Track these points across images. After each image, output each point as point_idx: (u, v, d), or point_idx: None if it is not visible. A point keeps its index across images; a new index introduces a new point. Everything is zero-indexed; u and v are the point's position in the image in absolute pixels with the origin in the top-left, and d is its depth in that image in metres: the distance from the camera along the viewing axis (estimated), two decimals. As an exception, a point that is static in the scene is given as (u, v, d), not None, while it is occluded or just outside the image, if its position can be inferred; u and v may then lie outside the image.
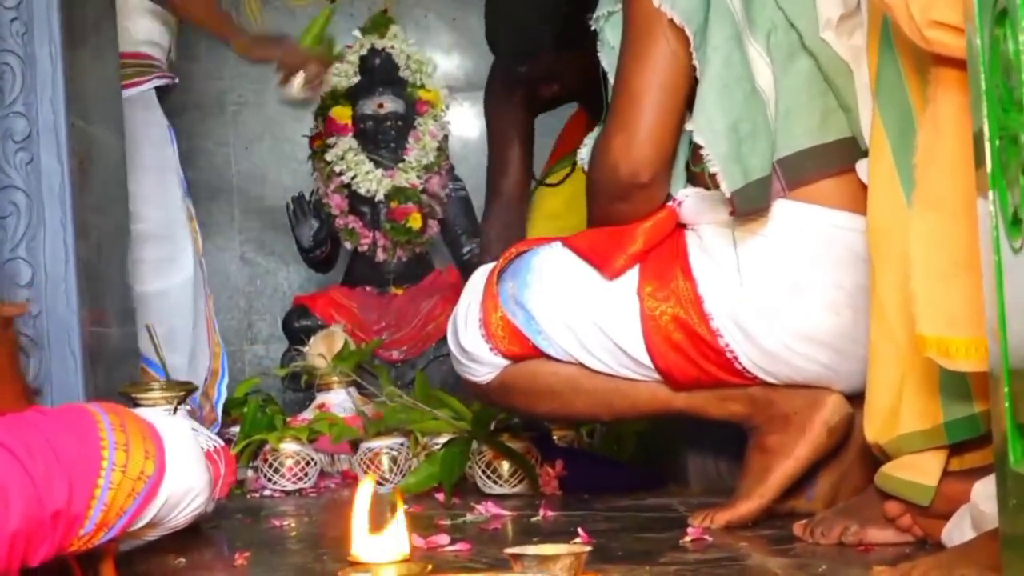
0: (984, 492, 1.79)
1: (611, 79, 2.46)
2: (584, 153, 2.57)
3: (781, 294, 2.35)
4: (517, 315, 2.49)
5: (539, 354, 2.50)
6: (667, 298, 2.40)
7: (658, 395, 2.48)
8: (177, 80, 3.74)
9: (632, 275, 2.44)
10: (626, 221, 2.45)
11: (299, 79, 3.92)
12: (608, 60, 2.51)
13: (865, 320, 2.13)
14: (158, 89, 3.67)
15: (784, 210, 2.36)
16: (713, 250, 2.40)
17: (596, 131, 2.53)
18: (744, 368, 2.40)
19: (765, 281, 2.36)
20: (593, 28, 2.55)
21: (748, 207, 2.31)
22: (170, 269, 3.58)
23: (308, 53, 4.04)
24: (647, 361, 2.43)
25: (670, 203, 2.44)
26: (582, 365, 2.48)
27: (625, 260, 2.43)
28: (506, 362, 2.52)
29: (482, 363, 2.54)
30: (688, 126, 2.34)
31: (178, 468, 1.94)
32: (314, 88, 4.02)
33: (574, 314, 2.46)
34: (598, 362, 2.47)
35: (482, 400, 2.79)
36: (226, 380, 3.72)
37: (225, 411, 3.67)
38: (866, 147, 2.24)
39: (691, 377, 2.43)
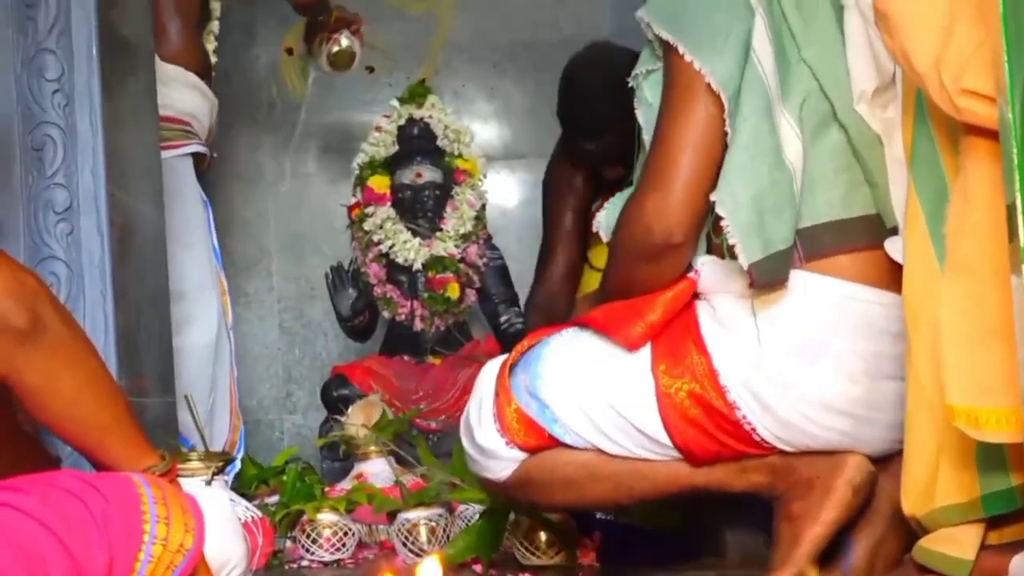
0: (1023, 566, 1.78)
1: (646, 137, 2.45)
2: (602, 217, 2.53)
3: (797, 363, 2.32)
4: (531, 406, 2.46)
5: (555, 444, 2.46)
6: (682, 374, 2.37)
7: (678, 473, 2.44)
8: (215, 155, 3.77)
9: (645, 353, 2.41)
10: (649, 286, 2.42)
11: (332, 47, 4.01)
12: (645, 117, 2.48)
13: (881, 387, 2.12)
14: (197, 160, 3.70)
15: (798, 280, 2.33)
16: (728, 321, 2.37)
17: (618, 197, 2.51)
18: (762, 439, 2.37)
19: (780, 351, 2.33)
20: (631, 85, 2.55)
21: (767, 279, 2.30)
22: (186, 328, 3.57)
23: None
24: (665, 439, 2.40)
25: (689, 273, 2.42)
26: (599, 450, 2.44)
27: (643, 328, 2.40)
28: (523, 455, 2.48)
29: (499, 459, 2.50)
30: (712, 197, 2.32)
31: (216, 540, 1.95)
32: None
33: (588, 398, 2.43)
34: (615, 445, 2.43)
35: (500, 497, 2.73)
36: (242, 453, 3.73)
37: (263, 480, 3.67)
38: (892, 224, 2.24)
39: (710, 452, 2.40)
